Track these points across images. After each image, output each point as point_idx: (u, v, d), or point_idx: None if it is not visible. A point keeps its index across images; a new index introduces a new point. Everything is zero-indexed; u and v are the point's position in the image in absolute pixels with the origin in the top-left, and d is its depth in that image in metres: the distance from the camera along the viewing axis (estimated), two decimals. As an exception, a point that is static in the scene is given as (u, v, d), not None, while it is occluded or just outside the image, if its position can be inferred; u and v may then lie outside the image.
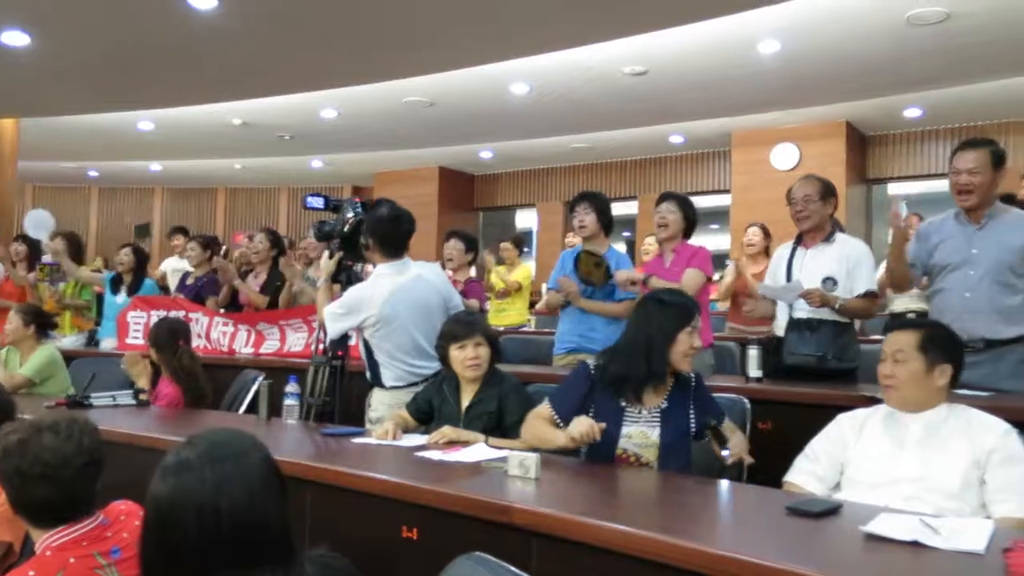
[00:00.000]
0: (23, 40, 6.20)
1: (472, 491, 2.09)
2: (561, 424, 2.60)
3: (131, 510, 1.97)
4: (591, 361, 2.73)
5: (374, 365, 3.56)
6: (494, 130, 10.14)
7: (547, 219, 12.46)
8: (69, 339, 6.20)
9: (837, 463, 2.39)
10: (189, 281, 6.30)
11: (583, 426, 2.43)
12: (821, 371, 3.52)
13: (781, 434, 3.01)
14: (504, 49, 6.67)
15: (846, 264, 3.60)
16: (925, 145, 9.38)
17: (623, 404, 2.60)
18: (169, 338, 4.05)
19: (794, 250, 3.79)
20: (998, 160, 3.28)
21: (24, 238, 7.00)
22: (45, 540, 1.81)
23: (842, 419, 2.49)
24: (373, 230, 3.57)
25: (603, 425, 2.45)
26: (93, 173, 13.89)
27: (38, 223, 6.56)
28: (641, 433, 2.56)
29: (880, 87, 7.99)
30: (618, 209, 10.89)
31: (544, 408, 2.69)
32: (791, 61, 7.12)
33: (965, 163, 3.28)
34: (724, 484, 2.32)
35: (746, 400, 2.83)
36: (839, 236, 3.74)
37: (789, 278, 3.69)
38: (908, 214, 3.24)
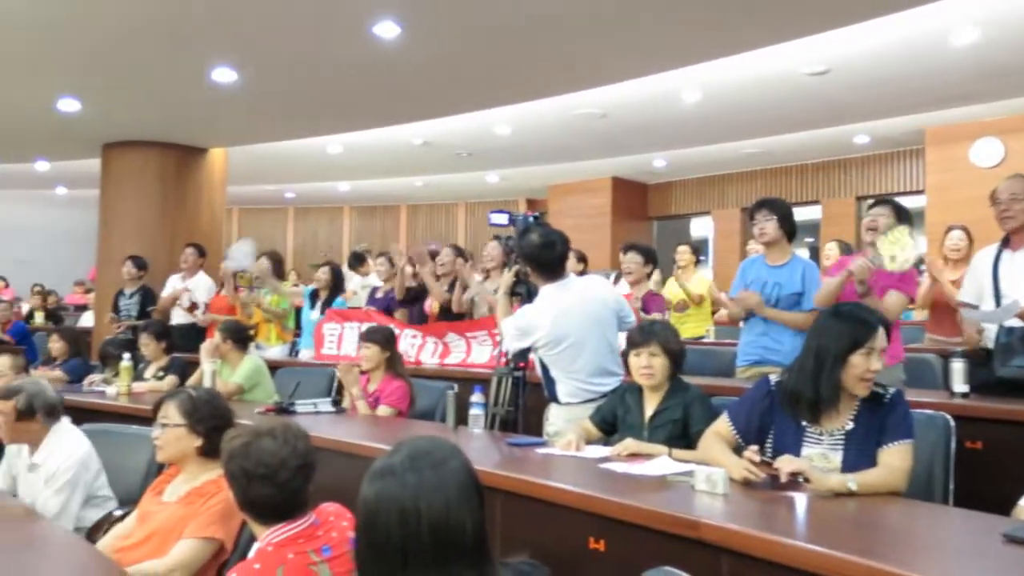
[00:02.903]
0: (231, 76, 6.79)
1: (659, 504, 2.09)
2: (740, 441, 2.55)
3: (339, 512, 2.11)
4: (774, 377, 2.62)
5: (550, 381, 3.61)
6: (667, 138, 10.04)
7: (723, 226, 12.16)
8: (275, 350, 6.70)
9: None
10: (379, 295, 6.67)
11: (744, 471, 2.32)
12: None
13: (993, 454, 2.80)
14: (677, 57, 6.59)
15: None
16: None
17: (803, 424, 2.46)
18: (389, 341, 4.34)
19: (999, 254, 3.51)
20: None
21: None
22: (266, 537, 1.98)
23: None
24: (527, 256, 3.64)
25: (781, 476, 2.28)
26: (290, 195, 14.95)
27: (239, 257, 6.99)
28: (822, 456, 2.41)
29: (1100, 72, 7.23)
30: (799, 214, 10.50)
31: (723, 425, 2.62)
32: (990, 50, 6.58)
33: None
34: (929, 507, 2.19)
35: (949, 417, 2.63)
36: None
37: (996, 286, 3.41)
38: None
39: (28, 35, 5.95)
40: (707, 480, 2.23)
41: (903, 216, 3.87)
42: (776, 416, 2.52)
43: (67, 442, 3.15)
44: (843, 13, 5.57)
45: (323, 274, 6.68)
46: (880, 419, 2.38)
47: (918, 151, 9.73)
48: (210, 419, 2.58)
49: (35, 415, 3.13)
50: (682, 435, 2.95)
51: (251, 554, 2.02)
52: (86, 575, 2.08)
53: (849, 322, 2.43)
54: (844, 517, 2.08)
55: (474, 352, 5.50)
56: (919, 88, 7.62)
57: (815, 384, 2.40)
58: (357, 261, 9.14)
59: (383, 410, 4.10)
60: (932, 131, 9.29)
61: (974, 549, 1.85)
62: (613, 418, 3.20)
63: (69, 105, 7.60)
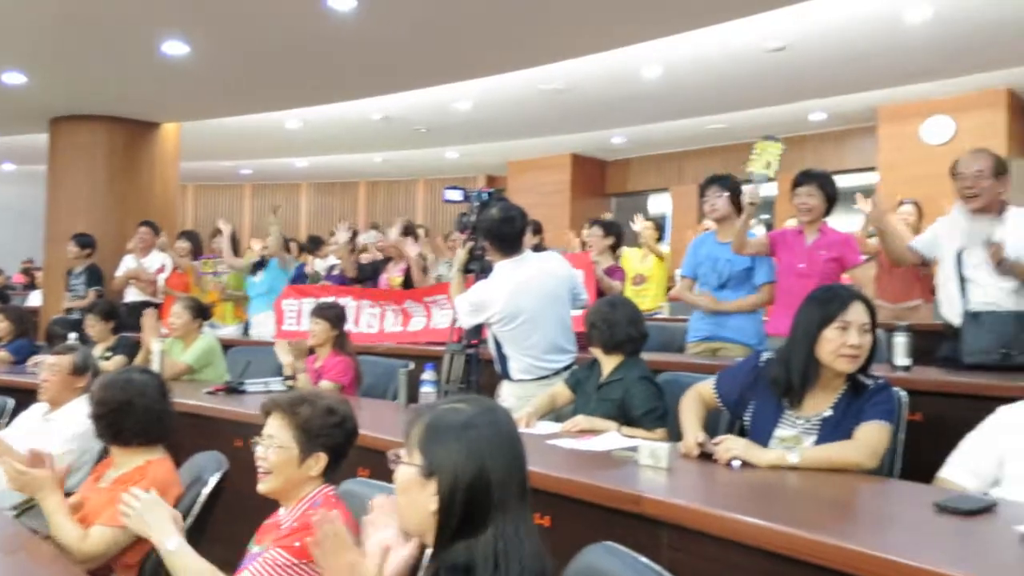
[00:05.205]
0: (182, 50, 6.64)
1: (602, 480, 2.11)
2: (721, 406, 2.59)
3: None
4: (766, 354, 2.59)
5: (503, 358, 3.60)
6: (627, 114, 10.03)
7: (681, 203, 12.22)
8: (229, 328, 6.64)
9: (996, 458, 2.23)
10: (335, 272, 6.64)
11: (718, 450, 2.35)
12: (1006, 368, 3.23)
13: (932, 427, 2.86)
14: (636, 31, 6.57)
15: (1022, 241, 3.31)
16: (1101, 111, 8.58)
17: (783, 405, 2.43)
18: (339, 318, 4.33)
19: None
20: None
21: (187, 234, 7.55)
22: (323, 490, 2.06)
23: (1003, 411, 2.32)
24: (486, 231, 3.60)
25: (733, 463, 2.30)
26: (246, 171, 14.73)
27: None
28: (795, 438, 2.38)
29: (1047, 50, 7.36)
30: (756, 191, 10.57)
31: (708, 387, 2.63)
32: (943, 28, 6.67)
33: None
34: (870, 480, 2.22)
35: (903, 392, 2.57)
36: (1012, 210, 3.43)
37: (959, 260, 3.43)
38: None
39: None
40: (651, 455, 2.25)
41: (829, 186, 4.00)
42: (758, 393, 2.50)
43: (84, 411, 3.18)
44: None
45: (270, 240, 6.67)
46: (859, 405, 2.34)
47: (871, 128, 9.85)
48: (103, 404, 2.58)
49: (86, 372, 3.36)
50: (620, 414, 2.97)
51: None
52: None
53: (820, 298, 2.42)
54: (786, 491, 2.12)
55: (435, 317, 5.45)
56: (873, 65, 7.70)
57: (787, 364, 2.38)
58: (314, 245, 8.95)
59: (325, 384, 4.06)
60: (884, 109, 9.41)
61: (907, 519, 1.89)
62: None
63: (14, 78, 7.39)
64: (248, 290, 6.71)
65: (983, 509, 1.80)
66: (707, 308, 4.18)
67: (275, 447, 2.05)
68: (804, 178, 3.99)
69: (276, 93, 8.33)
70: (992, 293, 3.34)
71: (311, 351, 4.36)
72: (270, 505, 2.15)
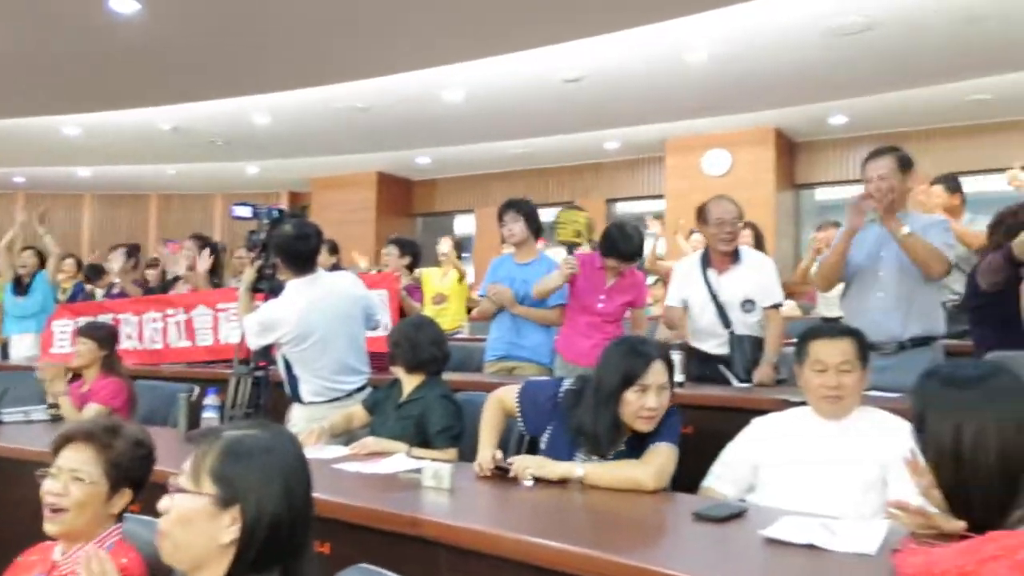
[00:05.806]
0: (-65, 42, 6.00)
1: (383, 503, 2.08)
2: (518, 416, 2.59)
3: None
4: (567, 382, 2.58)
5: (293, 380, 3.49)
6: (430, 136, 10.12)
7: (486, 224, 12.45)
8: (-13, 352, 6.02)
9: (750, 466, 2.43)
10: (116, 291, 6.20)
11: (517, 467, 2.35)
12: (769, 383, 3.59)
13: (701, 438, 3.05)
14: (437, 55, 6.66)
15: (760, 281, 3.73)
16: (851, 151, 9.63)
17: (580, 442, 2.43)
18: (107, 338, 4.03)
19: (706, 273, 3.79)
20: (905, 164, 3.39)
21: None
22: (117, 529, 1.91)
23: (756, 423, 2.53)
24: (278, 248, 3.49)
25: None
26: (19, 179, 13.46)
27: None
28: None
29: (805, 95, 8.19)
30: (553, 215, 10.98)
31: (512, 396, 2.61)
32: (719, 70, 7.25)
33: (874, 169, 3.39)
34: (645, 494, 2.31)
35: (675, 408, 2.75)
36: (742, 252, 3.83)
37: (719, 307, 3.73)
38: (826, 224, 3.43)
39: None
40: (434, 476, 2.24)
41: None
42: (556, 421, 2.50)
43: None
44: (588, 24, 5.91)
45: (29, 257, 6.21)
46: (650, 435, 2.36)
47: (660, 158, 10.51)
48: None
49: None
50: (418, 433, 2.96)
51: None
52: None
53: (624, 355, 2.37)
54: (565, 509, 2.17)
55: (222, 329, 5.16)
56: (659, 100, 8.25)
57: (594, 421, 2.35)
58: (95, 273, 8.08)
59: (91, 408, 3.75)
60: (671, 141, 10.09)
61: (668, 528, 2.01)
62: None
63: None
64: (11, 310, 6.11)
65: (735, 515, 1.94)
66: (506, 304, 4.24)
67: (81, 482, 1.85)
68: (621, 256, 3.97)
69: (50, 96, 7.70)
70: (746, 325, 3.71)
71: (77, 375, 4.02)
72: (15, 546, 1.95)
